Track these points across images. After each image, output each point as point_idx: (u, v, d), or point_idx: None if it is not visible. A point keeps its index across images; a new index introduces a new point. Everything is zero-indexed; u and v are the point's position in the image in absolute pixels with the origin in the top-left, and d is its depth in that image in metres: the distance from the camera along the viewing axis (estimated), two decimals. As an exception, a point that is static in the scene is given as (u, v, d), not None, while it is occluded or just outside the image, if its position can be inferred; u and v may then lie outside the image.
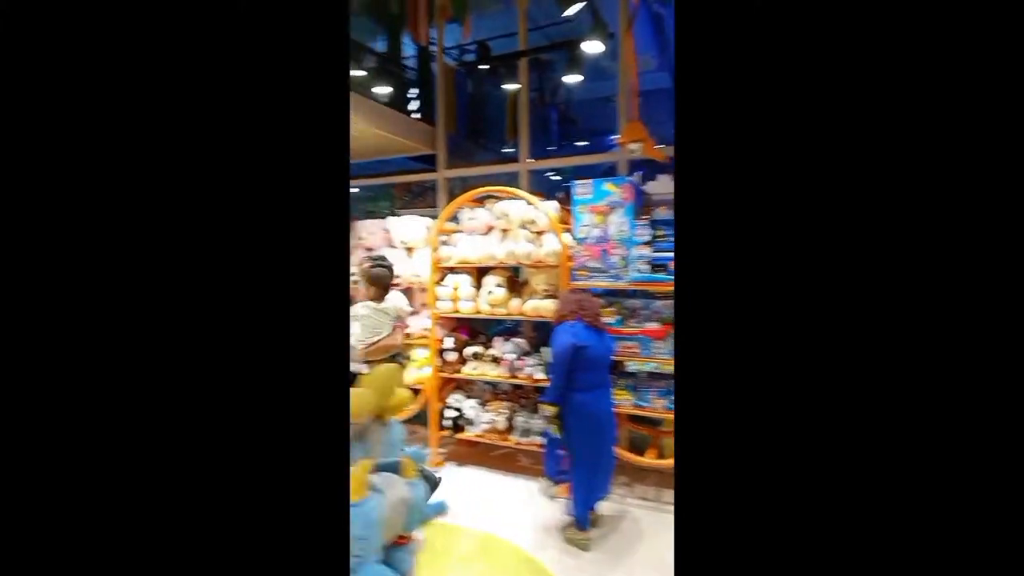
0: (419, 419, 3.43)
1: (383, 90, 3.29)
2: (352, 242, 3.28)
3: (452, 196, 3.61)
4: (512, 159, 3.49)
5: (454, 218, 3.05)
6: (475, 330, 3.28)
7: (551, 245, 2.71)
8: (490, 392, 3.14)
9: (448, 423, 3.03)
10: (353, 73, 3.07)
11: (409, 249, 3.15)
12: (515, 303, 2.87)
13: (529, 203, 2.76)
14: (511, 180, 3.24)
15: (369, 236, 3.20)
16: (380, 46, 3.85)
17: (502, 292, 2.86)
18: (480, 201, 3.07)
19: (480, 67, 4.06)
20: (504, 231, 2.92)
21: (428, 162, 3.80)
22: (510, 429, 2.94)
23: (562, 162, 3.62)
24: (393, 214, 3.51)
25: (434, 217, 3.17)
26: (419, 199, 3.99)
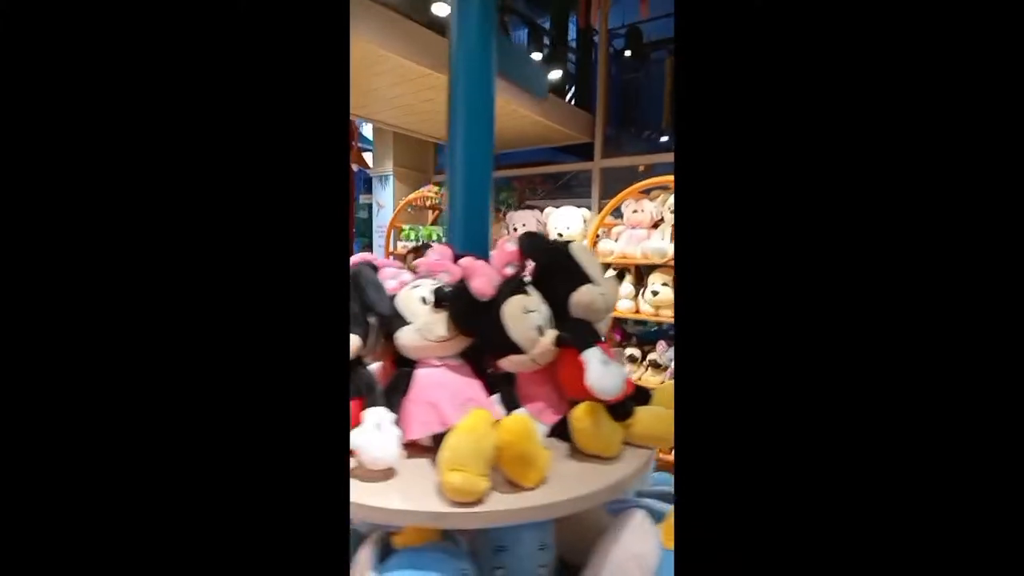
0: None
1: (550, 75, 3.14)
2: (505, 232, 3.18)
3: (603, 189, 3.39)
4: (670, 149, 3.18)
5: (616, 211, 2.83)
6: (627, 333, 3.04)
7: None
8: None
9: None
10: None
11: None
12: (682, 305, 2.59)
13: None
14: (668, 172, 2.94)
15: (523, 226, 3.07)
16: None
17: (668, 292, 2.59)
18: (645, 194, 2.81)
19: (633, 52, 3.79)
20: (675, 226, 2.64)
21: (573, 153, 3.62)
22: (668, 442, 2.67)
23: None
24: (508, 207, 3.37)
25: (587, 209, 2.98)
26: (556, 192, 3.83)
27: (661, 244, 2.57)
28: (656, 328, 3.03)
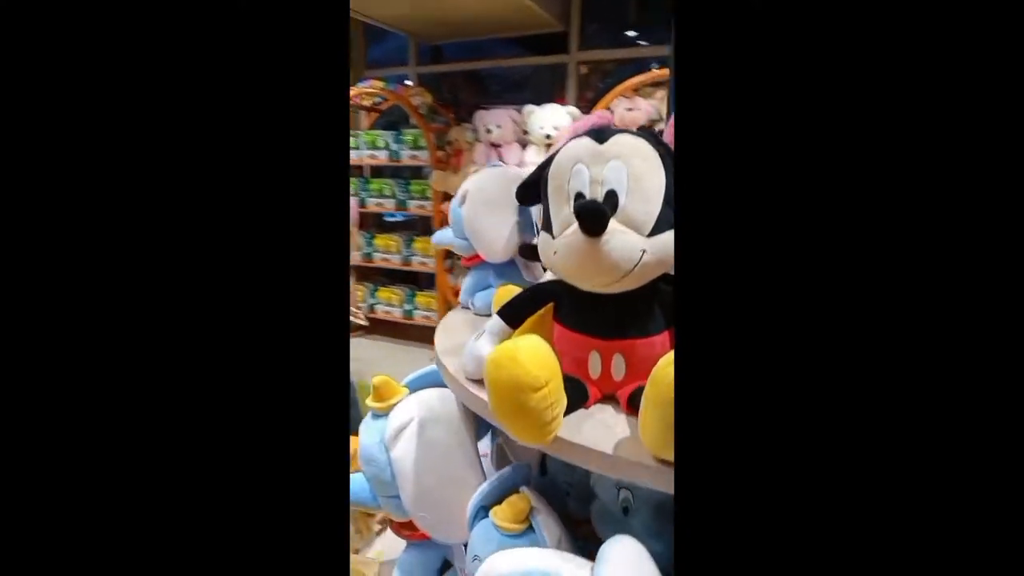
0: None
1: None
2: (472, 136, 2.75)
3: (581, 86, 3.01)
4: (658, 43, 2.83)
5: (607, 110, 2.50)
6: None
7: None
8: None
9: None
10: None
11: (548, 145, 2.61)
12: (677, 212, 2.41)
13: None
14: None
15: (497, 127, 2.65)
16: None
17: (663, 199, 2.39)
18: (635, 91, 2.50)
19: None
20: (672, 126, 2.39)
21: (528, 46, 3.16)
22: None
23: None
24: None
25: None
26: (508, 92, 3.37)
27: (658, 146, 2.32)
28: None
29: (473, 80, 3.62)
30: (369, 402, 0.79)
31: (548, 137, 2.52)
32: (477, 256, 0.90)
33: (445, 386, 0.80)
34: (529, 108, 2.60)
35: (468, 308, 0.93)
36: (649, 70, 2.92)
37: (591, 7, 2.97)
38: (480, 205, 0.84)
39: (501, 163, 2.66)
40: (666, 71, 2.37)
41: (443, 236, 0.98)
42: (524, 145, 2.73)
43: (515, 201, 0.82)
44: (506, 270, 0.88)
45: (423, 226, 3.27)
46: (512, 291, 0.74)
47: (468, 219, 0.86)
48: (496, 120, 2.66)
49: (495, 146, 2.71)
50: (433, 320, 3.08)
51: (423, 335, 3.32)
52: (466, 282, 0.94)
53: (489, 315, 0.87)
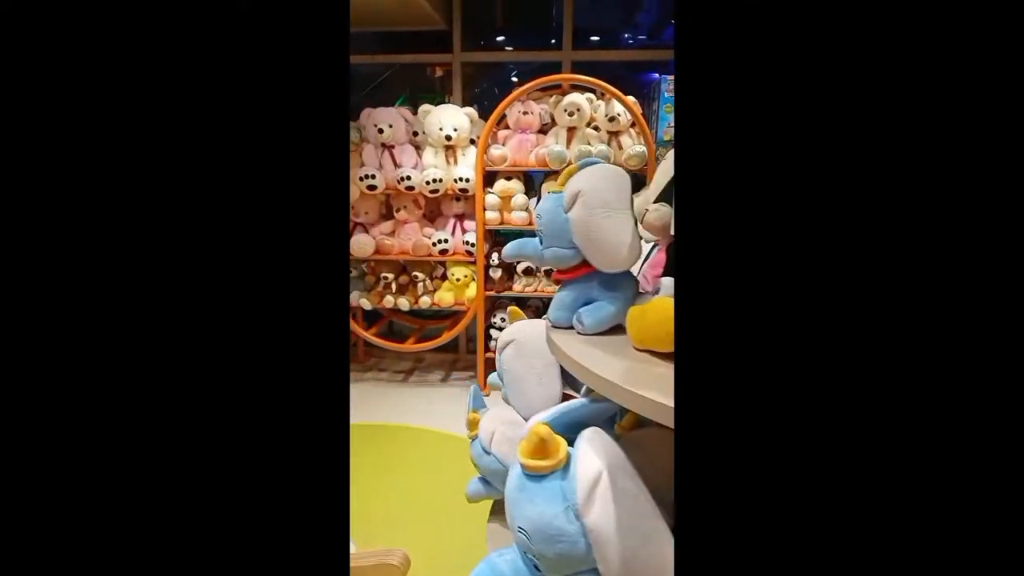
0: (454, 345, 2.91)
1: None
2: (370, 133, 2.42)
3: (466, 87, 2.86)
4: (550, 48, 2.82)
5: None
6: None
7: (629, 148, 2.33)
8: (535, 311, 2.75)
9: (493, 344, 2.59)
10: None
11: (449, 147, 2.43)
12: (579, 212, 2.46)
13: (610, 98, 2.29)
14: (547, 72, 2.62)
15: (389, 127, 2.37)
16: None
17: (565, 199, 2.42)
18: (542, 93, 2.47)
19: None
20: (571, 129, 2.42)
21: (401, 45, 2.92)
22: (567, 345, 2.63)
23: (614, 55, 2.95)
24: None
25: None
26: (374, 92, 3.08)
27: (559, 148, 2.34)
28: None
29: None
30: (528, 461, 0.61)
31: (448, 138, 2.36)
32: (581, 268, 0.76)
33: (589, 422, 0.66)
34: (425, 108, 2.39)
35: (561, 327, 0.78)
36: (513, 74, 2.94)
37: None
38: (598, 208, 0.71)
39: (409, 166, 2.42)
40: (553, 77, 2.41)
41: (523, 248, 0.79)
42: (418, 146, 2.52)
43: (631, 201, 0.71)
44: (619, 282, 0.75)
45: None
46: (666, 304, 0.63)
47: (581, 224, 0.71)
48: (387, 119, 2.39)
49: (387, 147, 2.44)
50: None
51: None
52: (561, 298, 0.78)
53: (600, 334, 0.75)
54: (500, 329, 2.63)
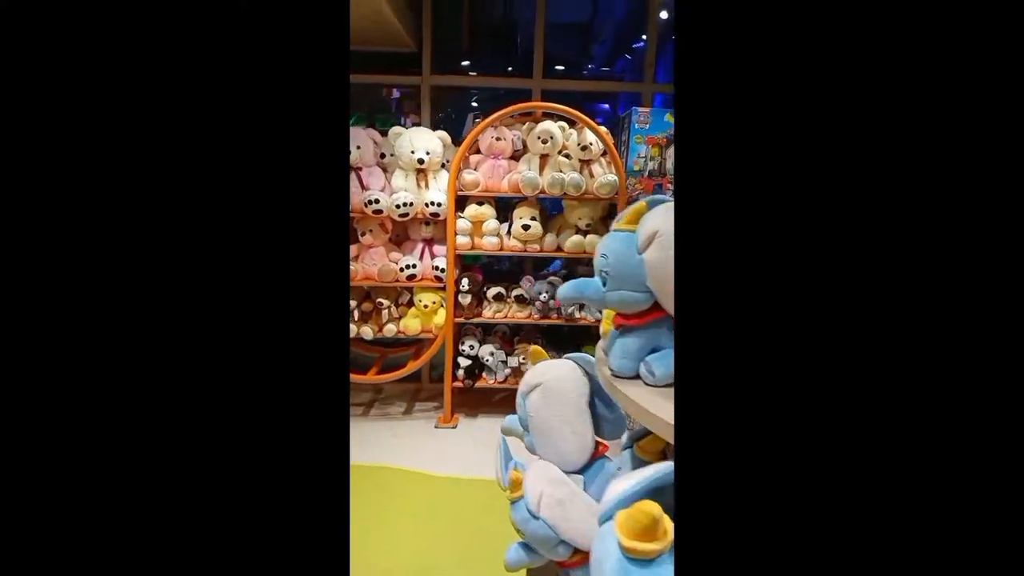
0: (416, 374, 2.74)
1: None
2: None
3: (436, 110, 2.76)
4: (520, 75, 2.77)
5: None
6: (490, 270, 2.69)
7: (601, 176, 2.34)
8: (502, 336, 2.66)
9: (461, 372, 2.47)
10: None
11: (420, 171, 2.31)
12: (550, 239, 2.43)
13: (583, 126, 2.29)
14: (517, 99, 2.59)
15: (357, 148, 2.23)
16: None
17: (537, 226, 2.38)
18: (516, 119, 2.42)
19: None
20: (543, 156, 2.39)
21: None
22: (537, 372, 2.56)
23: (585, 85, 2.97)
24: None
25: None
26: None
27: (533, 175, 2.31)
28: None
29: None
30: (635, 544, 0.53)
31: (421, 161, 2.26)
32: (650, 313, 0.71)
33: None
34: (396, 130, 2.28)
35: (625, 376, 0.72)
36: (474, 100, 2.90)
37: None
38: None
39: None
40: (527, 104, 2.38)
41: (582, 290, 0.73)
42: (385, 169, 2.39)
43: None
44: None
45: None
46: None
47: (659, 267, 0.66)
48: (355, 140, 2.25)
49: (354, 169, 2.29)
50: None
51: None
52: (625, 345, 0.72)
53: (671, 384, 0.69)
54: (468, 357, 2.52)
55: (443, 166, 2.40)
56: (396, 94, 2.95)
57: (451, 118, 3.12)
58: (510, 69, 2.97)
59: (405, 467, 2.13)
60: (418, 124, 2.50)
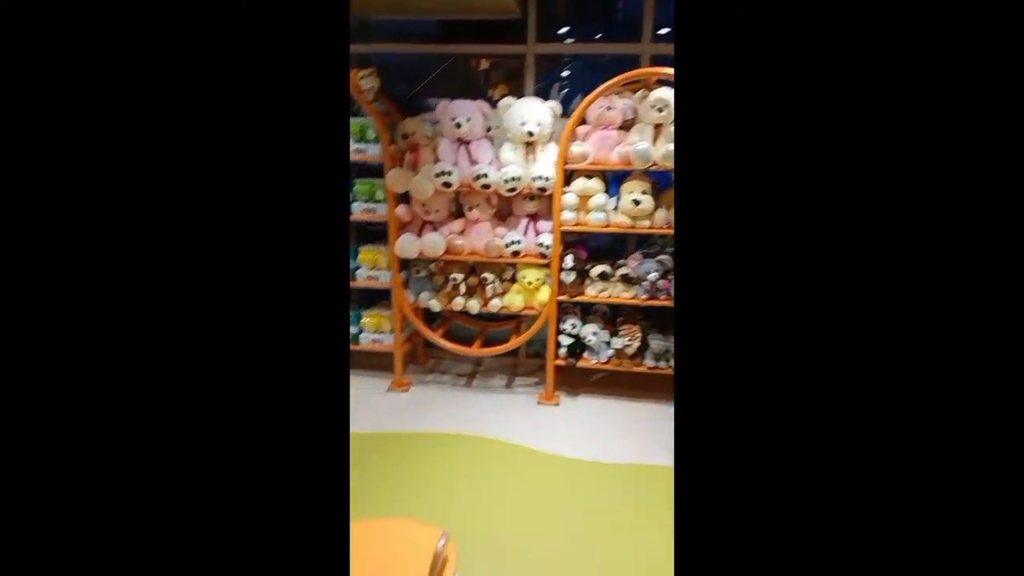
0: (514, 349, 2.74)
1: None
2: (446, 127, 2.27)
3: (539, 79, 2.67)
4: (630, 39, 2.56)
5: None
6: (594, 247, 2.60)
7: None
8: (603, 316, 2.57)
9: (564, 351, 2.43)
10: None
11: (528, 144, 2.27)
12: (661, 215, 2.28)
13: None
14: (621, 67, 2.42)
15: (467, 120, 2.22)
16: None
17: (648, 201, 2.24)
18: (626, 87, 2.28)
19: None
20: (657, 126, 2.23)
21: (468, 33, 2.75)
22: (641, 354, 2.46)
23: None
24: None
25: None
26: (439, 84, 2.90)
27: (645, 146, 2.16)
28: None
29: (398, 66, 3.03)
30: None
31: (530, 134, 2.20)
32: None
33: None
34: (506, 101, 2.23)
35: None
36: (567, 68, 2.75)
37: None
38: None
39: (480, 161, 2.27)
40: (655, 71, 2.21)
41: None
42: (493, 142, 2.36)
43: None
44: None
45: (371, 233, 2.66)
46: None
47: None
48: (465, 112, 2.24)
49: (463, 142, 2.29)
50: (386, 344, 2.53)
51: (373, 362, 2.75)
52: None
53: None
54: (570, 335, 2.47)
55: (552, 138, 2.32)
56: (484, 65, 2.88)
57: (547, 89, 3.00)
58: (605, 35, 2.77)
59: (508, 440, 2.15)
60: (505, 95, 2.41)
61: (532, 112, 2.19)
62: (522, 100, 2.24)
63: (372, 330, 2.54)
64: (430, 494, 1.81)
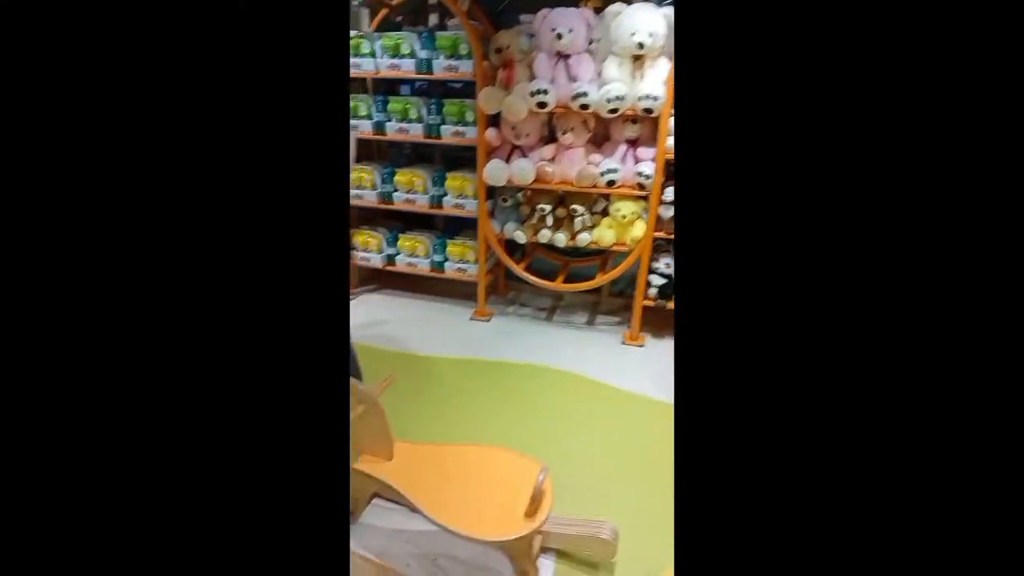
0: (606, 286, 2.63)
1: None
2: (544, 40, 2.06)
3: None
4: None
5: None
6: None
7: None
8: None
9: (654, 291, 2.29)
10: None
11: (638, 57, 2.02)
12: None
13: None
14: None
15: (569, 32, 1.99)
16: None
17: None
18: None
19: None
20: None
21: None
22: (740, 300, 2.26)
23: None
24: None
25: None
26: None
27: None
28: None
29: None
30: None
31: (640, 46, 1.94)
32: None
33: None
34: (615, 8, 1.96)
35: None
36: None
37: None
38: None
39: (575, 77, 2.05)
40: None
41: None
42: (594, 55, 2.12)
43: None
44: None
45: (459, 160, 2.57)
46: None
47: None
48: (567, 22, 1.99)
49: (563, 56, 2.06)
50: (470, 274, 2.50)
51: (456, 290, 2.72)
52: None
53: None
54: (663, 275, 2.30)
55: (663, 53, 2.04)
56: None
57: None
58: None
59: (591, 376, 2.09)
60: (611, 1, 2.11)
61: (645, 20, 1.90)
62: (634, 6, 1.95)
63: (456, 259, 2.50)
64: (513, 423, 1.81)
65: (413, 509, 1.20)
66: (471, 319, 2.54)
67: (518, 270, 2.45)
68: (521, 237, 2.35)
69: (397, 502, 1.34)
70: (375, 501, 1.44)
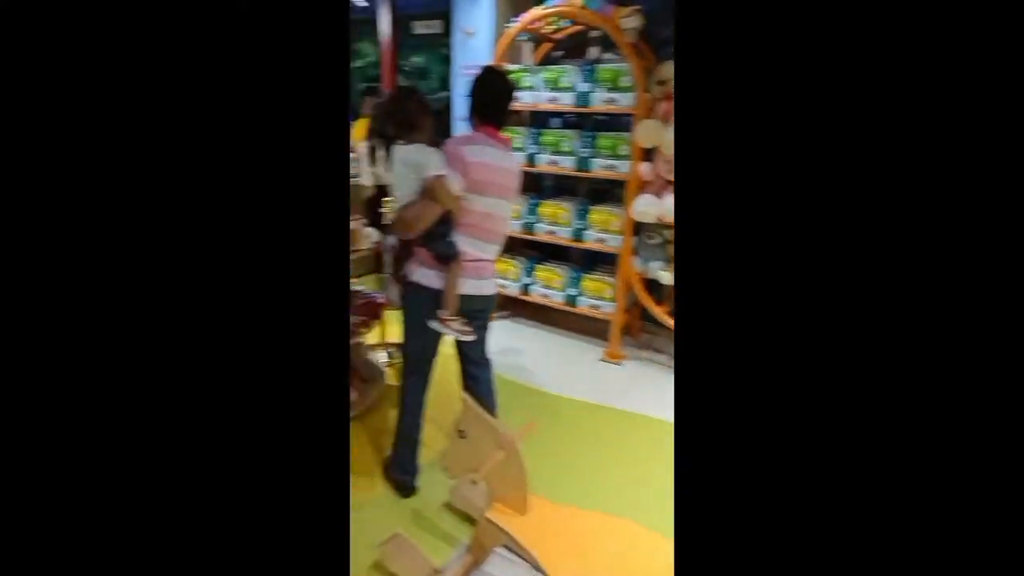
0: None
1: None
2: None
3: None
4: None
5: None
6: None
7: None
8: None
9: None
10: None
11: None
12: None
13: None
14: None
15: None
16: None
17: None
18: None
19: None
20: None
21: None
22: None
23: None
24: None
25: None
26: None
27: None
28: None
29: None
30: None
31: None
32: None
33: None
34: None
35: None
36: None
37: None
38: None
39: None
40: None
41: None
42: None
43: None
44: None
45: (604, 193, 2.49)
46: None
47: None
48: None
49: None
50: (603, 311, 2.38)
51: (585, 326, 2.58)
52: None
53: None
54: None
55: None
56: None
57: None
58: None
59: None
60: None
61: None
62: None
63: (591, 295, 2.39)
64: (648, 487, 1.62)
65: (537, 568, 1.12)
66: (601, 360, 2.39)
67: (658, 313, 2.26)
68: (666, 278, 2.18)
69: (522, 556, 1.27)
70: (499, 550, 1.37)
